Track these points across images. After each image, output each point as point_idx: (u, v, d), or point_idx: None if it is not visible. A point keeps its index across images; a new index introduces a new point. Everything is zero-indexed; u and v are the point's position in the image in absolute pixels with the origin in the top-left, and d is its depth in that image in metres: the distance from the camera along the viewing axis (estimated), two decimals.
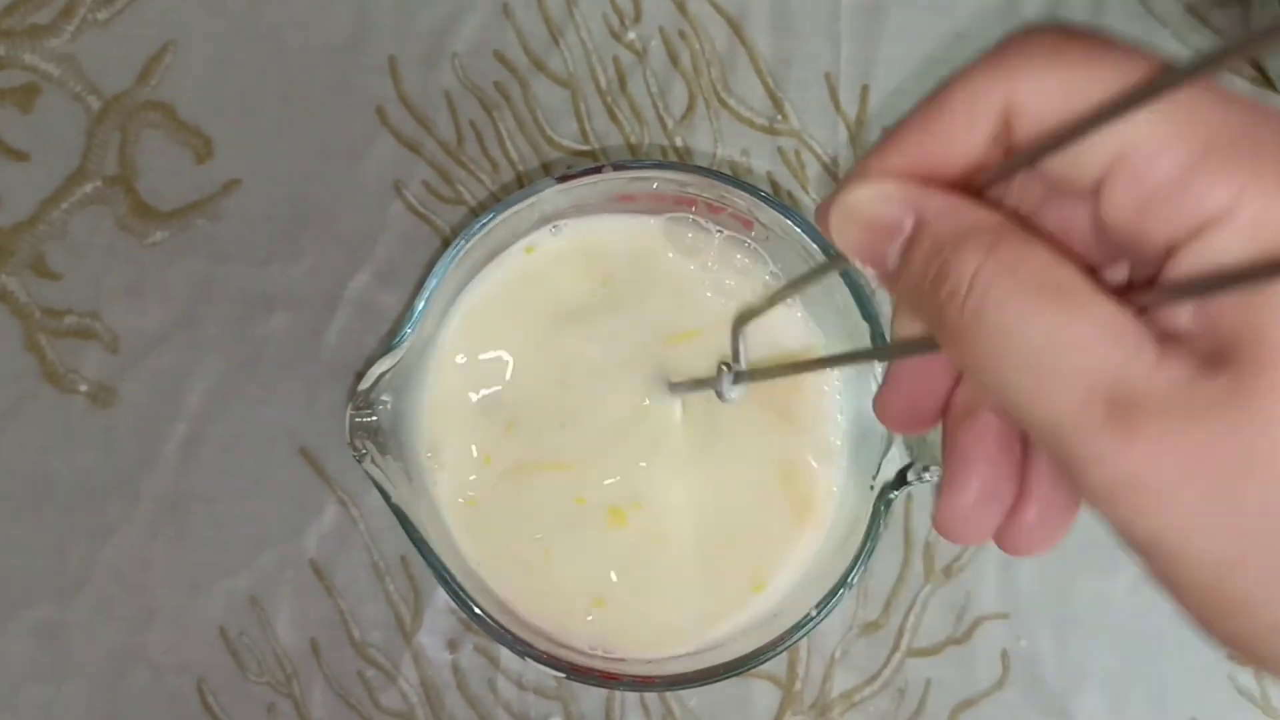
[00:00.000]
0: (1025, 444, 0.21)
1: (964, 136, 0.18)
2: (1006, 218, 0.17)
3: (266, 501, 0.36)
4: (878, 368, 0.32)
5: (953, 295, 0.17)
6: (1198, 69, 0.14)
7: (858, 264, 0.19)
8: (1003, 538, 0.21)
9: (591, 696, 0.35)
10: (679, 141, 0.37)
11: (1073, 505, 0.21)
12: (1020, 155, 0.17)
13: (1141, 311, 0.16)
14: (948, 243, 0.17)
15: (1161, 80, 0.15)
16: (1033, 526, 0.21)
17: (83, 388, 0.36)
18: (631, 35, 0.37)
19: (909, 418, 0.23)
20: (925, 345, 0.20)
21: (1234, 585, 0.15)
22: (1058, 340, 0.16)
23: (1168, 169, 0.16)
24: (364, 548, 0.36)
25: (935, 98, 0.18)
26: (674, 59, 0.37)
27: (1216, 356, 0.16)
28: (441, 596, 0.35)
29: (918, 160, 0.18)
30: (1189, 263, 0.16)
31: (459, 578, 0.30)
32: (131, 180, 0.36)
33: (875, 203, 0.18)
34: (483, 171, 0.37)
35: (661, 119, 0.37)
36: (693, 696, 0.35)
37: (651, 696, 0.35)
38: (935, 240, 0.17)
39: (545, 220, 0.33)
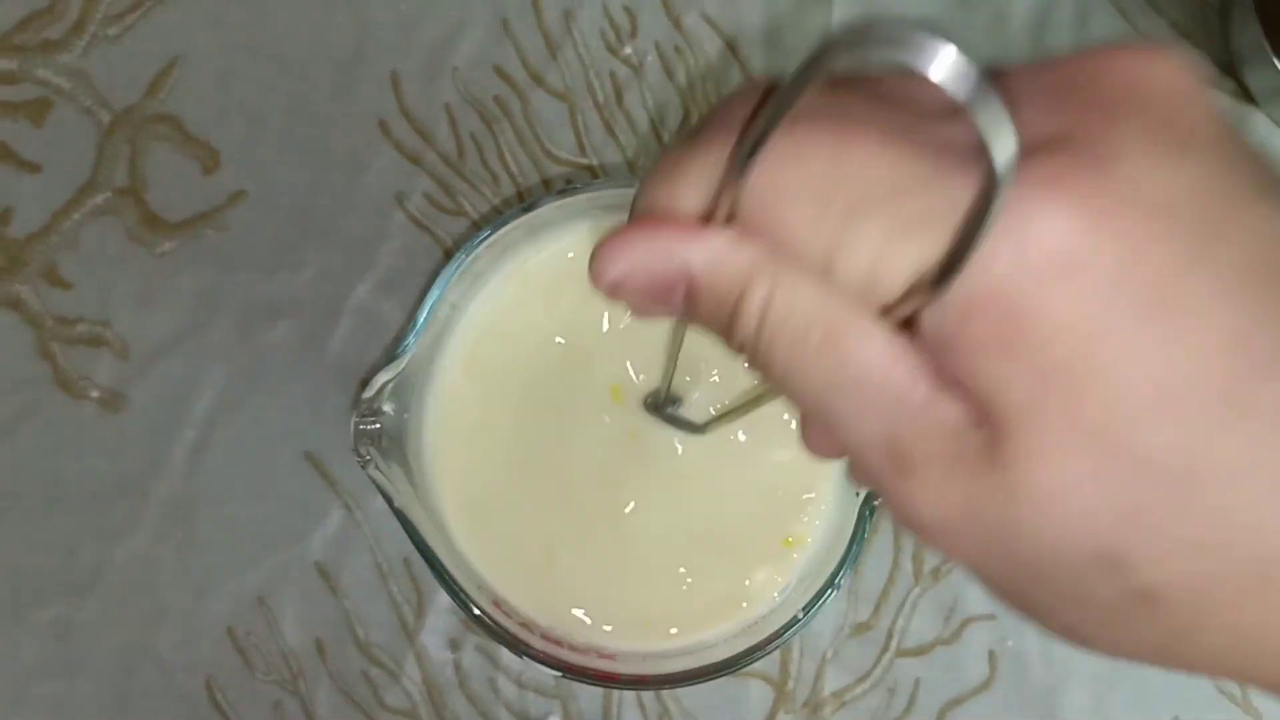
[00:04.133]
0: None
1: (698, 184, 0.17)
2: (767, 245, 0.17)
3: (273, 505, 0.36)
4: None
5: (743, 343, 0.17)
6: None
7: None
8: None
9: (590, 695, 0.36)
10: None
11: None
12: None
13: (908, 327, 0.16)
14: (727, 292, 0.17)
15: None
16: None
17: (94, 394, 0.37)
18: (628, 50, 0.38)
19: (836, 448, 0.23)
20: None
21: (1026, 607, 0.17)
22: (835, 387, 0.16)
23: None
24: (368, 550, 0.36)
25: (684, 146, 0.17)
26: (669, 74, 0.38)
27: (980, 408, 0.16)
28: (443, 597, 0.36)
29: (677, 195, 0.17)
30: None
31: (459, 579, 0.31)
32: (141, 192, 0.37)
33: (641, 271, 0.17)
34: (483, 184, 0.38)
35: (657, 133, 0.38)
36: (688, 695, 0.36)
37: (648, 695, 0.36)
38: (716, 289, 0.17)
39: (537, 234, 0.34)
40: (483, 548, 0.33)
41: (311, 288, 0.37)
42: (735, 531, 0.34)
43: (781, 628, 0.31)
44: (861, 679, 0.37)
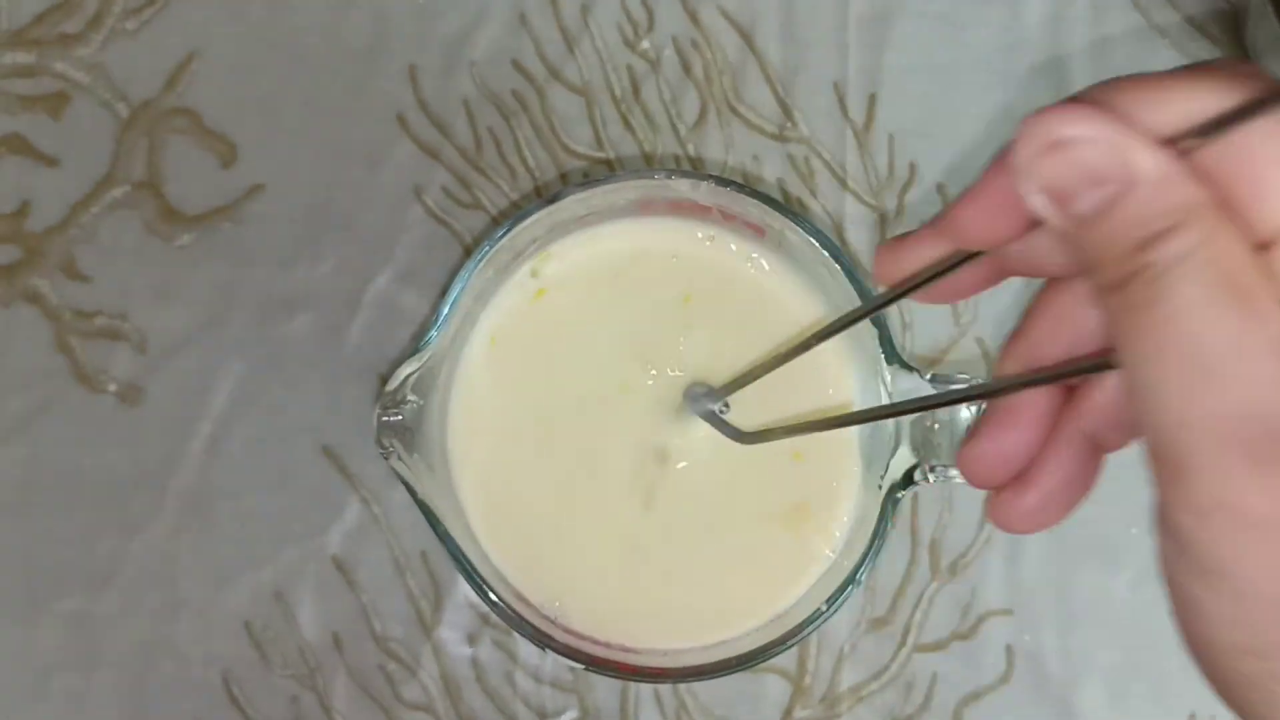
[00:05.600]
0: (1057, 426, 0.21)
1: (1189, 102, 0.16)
2: (1213, 198, 0.16)
3: (290, 498, 0.37)
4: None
5: (1148, 268, 0.16)
6: None
7: (1028, 194, 0.17)
8: (996, 511, 0.22)
9: (607, 689, 0.36)
10: (691, 149, 0.38)
11: (1070, 504, 0.21)
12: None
13: None
14: (1163, 215, 0.16)
15: None
16: (1028, 511, 0.21)
17: (112, 387, 0.37)
18: (645, 44, 0.38)
19: (1001, 473, 0.22)
20: (1055, 375, 0.20)
21: None
22: (1233, 349, 0.15)
23: None
24: (385, 544, 0.37)
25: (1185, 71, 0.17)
26: (686, 68, 0.38)
27: None
28: (461, 592, 0.36)
29: (1136, 111, 0.17)
30: None
31: (481, 570, 0.31)
32: (159, 185, 0.37)
33: (1094, 146, 0.16)
34: (500, 178, 0.38)
35: (674, 126, 0.38)
36: (705, 690, 0.36)
37: (665, 689, 0.36)
38: (1151, 208, 0.16)
39: (559, 229, 0.34)
40: (504, 540, 0.33)
41: (329, 281, 0.37)
42: (756, 525, 0.34)
43: (803, 622, 0.31)
44: (878, 674, 0.37)
